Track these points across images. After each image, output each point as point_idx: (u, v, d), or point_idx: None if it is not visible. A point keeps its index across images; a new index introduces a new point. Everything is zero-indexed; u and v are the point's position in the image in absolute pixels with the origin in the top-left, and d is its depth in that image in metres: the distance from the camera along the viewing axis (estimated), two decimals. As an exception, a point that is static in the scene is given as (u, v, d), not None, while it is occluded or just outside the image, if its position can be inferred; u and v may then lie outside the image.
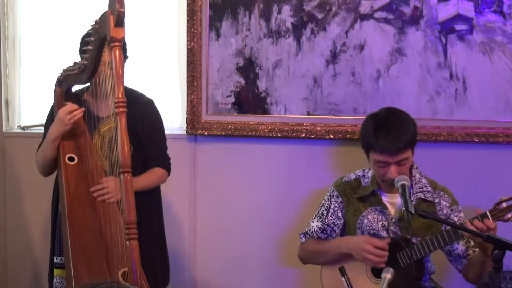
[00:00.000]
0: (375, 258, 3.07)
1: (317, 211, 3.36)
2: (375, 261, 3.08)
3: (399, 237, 3.14)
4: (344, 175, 3.36)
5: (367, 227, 3.19)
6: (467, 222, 2.94)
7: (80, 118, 3.27)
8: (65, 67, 3.31)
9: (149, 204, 3.44)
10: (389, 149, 3.04)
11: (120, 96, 2.83)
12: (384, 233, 3.17)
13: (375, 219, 3.19)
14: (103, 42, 3.00)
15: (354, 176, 3.31)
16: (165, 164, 3.50)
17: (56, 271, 3.34)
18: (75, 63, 3.23)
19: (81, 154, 3.26)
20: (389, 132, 3.05)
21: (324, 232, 3.31)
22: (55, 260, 3.35)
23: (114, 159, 3.06)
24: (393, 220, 3.17)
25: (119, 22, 2.81)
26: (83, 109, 3.27)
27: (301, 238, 3.39)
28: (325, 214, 3.31)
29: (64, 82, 3.34)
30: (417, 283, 3.17)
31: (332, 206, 3.30)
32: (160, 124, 3.52)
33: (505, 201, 2.93)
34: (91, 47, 3.06)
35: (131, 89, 3.44)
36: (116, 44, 2.83)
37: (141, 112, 3.38)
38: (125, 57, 3.36)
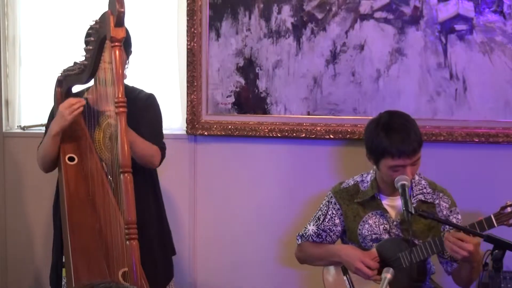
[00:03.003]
0: (365, 277, 3.14)
1: (315, 214, 3.35)
2: (365, 279, 3.15)
3: (401, 238, 3.14)
4: (342, 181, 3.34)
5: (369, 232, 3.19)
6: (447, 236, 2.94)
7: (80, 118, 3.27)
8: (65, 67, 3.31)
9: (149, 198, 3.44)
10: (406, 151, 3.01)
11: (120, 96, 2.84)
12: (386, 236, 3.17)
13: (376, 223, 3.18)
14: (103, 42, 3.00)
15: (352, 182, 3.30)
16: (159, 144, 3.42)
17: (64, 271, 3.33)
18: (75, 63, 3.23)
19: (81, 154, 3.26)
20: (402, 134, 3.03)
21: (319, 236, 3.31)
22: (63, 260, 3.35)
23: (114, 153, 3.06)
24: (395, 223, 3.16)
25: (119, 22, 2.80)
26: (83, 101, 3.24)
27: (298, 240, 3.39)
28: (321, 219, 3.31)
29: (64, 82, 3.34)
30: (419, 284, 3.17)
31: (329, 212, 3.29)
32: (156, 112, 3.47)
33: (510, 205, 2.92)
34: (91, 47, 3.06)
35: (132, 87, 3.44)
36: (116, 44, 2.82)
37: (141, 105, 3.38)
38: (129, 51, 3.36)
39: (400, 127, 3.06)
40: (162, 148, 3.44)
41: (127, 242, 2.79)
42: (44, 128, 3.55)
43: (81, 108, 3.22)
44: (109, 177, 3.20)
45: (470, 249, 2.86)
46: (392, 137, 3.03)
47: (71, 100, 3.24)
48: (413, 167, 3.06)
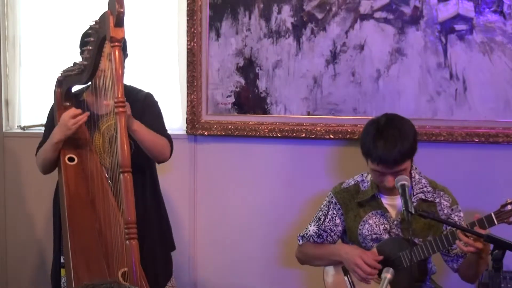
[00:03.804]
0: (363, 274, 3.12)
1: (315, 215, 3.35)
2: (363, 277, 3.13)
3: (402, 237, 3.14)
4: (343, 181, 3.34)
5: (369, 232, 3.19)
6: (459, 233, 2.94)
7: (83, 122, 3.27)
8: (65, 68, 3.31)
9: (149, 198, 3.45)
10: (386, 160, 3.00)
11: (119, 96, 2.84)
12: (386, 236, 3.17)
13: (376, 223, 3.18)
14: (102, 43, 3.00)
15: (353, 182, 3.30)
16: (166, 136, 3.44)
17: (63, 271, 3.34)
18: (74, 63, 3.23)
19: (81, 154, 3.27)
20: (388, 144, 3.00)
21: (320, 237, 3.31)
22: (61, 260, 3.36)
23: (115, 157, 3.06)
24: (395, 222, 3.16)
25: (119, 22, 2.81)
26: (87, 113, 3.25)
27: (299, 240, 3.39)
28: (322, 220, 3.31)
29: (64, 82, 3.34)
30: (419, 284, 3.17)
31: (330, 213, 3.29)
32: (156, 110, 3.49)
33: (510, 203, 2.92)
34: (90, 48, 3.06)
35: (130, 86, 3.45)
36: (116, 44, 2.83)
37: (140, 106, 3.39)
38: (125, 55, 3.37)
39: (390, 135, 3.03)
40: (170, 139, 3.45)
41: (127, 242, 2.79)
42: (44, 128, 3.55)
43: (85, 119, 3.23)
44: (109, 181, 3.20)
45: (480, 247, 2.89)
46: (378, 143, 3.02)
47: (75, 111, 3.24)
48: (396, 175, 3.05)
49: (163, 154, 3.41)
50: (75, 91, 3.44)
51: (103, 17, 2.91)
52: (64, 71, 3.31)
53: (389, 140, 3.02)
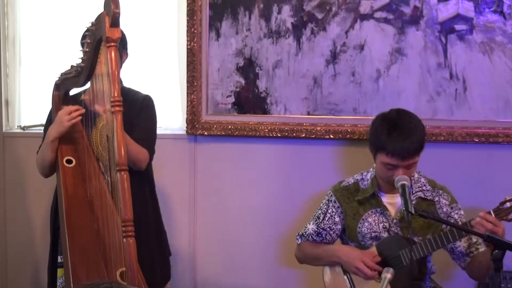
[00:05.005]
0: (365, 277, 3.13)
1: (315, 213, 3.35)
2: (365, 279, 3.14)
3: (401, 236, 3.14)
4: (342, 180, 3.34)
5: (368, 230, 3.19)
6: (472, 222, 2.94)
7: (78, 120, 3.27)
8: (62, 71, 3.31)
9: (147, 199, 3.45)
10: (401, 152, 3.01)
11: (116, 95, 2.84)
12: (385, 235, 3.17)
13: (376, 221, 3.18)
14: (99, 44, 3.00)
15: (352, 181, 3.30)
16: (148, 147, 3.40)
17: (60, 271, 3.34)
18: (72, 66, 3.23)
19: (79, 156, 3.27)
20: (402, 135, 3.03)
21: (319, 235, 3.31)
22: (59, 260, 3.36)
23: (111, 155, 3.06)
24: (394, 221, 3.17)
25: (115, 23, 2.82)
26: (83, 110, 3.25)
27: (297, 240, 3.39)
28: (321, 218, 3.31)
29: (61, 86, 3.35)
30: (419, 283, 3.18)
31: (329, 211, 3.29)
32: (151, 114, 3.47)
33: (509, 201, 2.93)
34: (87, 49, 3.06)
35: (128, 88, 3.45)
36: (112, 44, 2.84)
37: (138, 107, 3.39)
38: (126, 53, 3.36)
39: (404, 127, 3.06)
40: (151, 153, 3.43)
41: (124, 240, 2.80)
42: (43, 131, 3.55)
43: (80, 117, 3.23)
44: (106, 177, 3.20)
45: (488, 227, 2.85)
46: (392, 134, 3.04)
47: (70, 108, 3.24)
48: (407, 170, 3.05)
49: (138, 167, 3.36)
50: (72, 95, 3.44)
51: (99, 18, 2.93)
52: (62, 74, 3.32)
53: (404, 132, 3.04)
